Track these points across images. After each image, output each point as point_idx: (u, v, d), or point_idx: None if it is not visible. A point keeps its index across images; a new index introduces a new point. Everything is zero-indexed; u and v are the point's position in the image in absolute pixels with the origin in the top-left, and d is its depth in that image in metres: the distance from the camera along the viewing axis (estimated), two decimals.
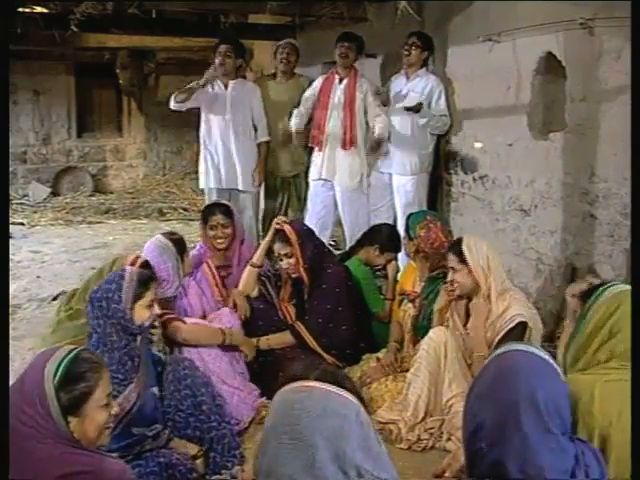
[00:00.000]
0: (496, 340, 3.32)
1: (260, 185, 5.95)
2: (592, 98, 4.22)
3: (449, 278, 3.52)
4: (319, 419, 1.42)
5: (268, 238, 4.28)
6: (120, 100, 11.02)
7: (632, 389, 2.05)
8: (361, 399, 1.51)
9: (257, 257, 4.32)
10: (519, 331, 3.29)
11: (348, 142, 5.64)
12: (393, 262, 4.62)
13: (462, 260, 3.44)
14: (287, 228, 4.11)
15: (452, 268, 3.50)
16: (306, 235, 4.16)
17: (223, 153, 5.79)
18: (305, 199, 6.06)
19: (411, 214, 4.23)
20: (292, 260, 4.05)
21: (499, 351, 1.79)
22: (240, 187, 5.82)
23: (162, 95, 11.01)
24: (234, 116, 5.75)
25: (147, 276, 3.09)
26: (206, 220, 4.36)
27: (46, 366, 2.00)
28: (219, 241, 4.33)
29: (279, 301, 4.25)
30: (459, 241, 3.52)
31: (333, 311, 4.03)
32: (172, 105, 5.71)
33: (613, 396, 2.12)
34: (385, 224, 5.02)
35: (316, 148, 5.77)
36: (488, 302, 3.42)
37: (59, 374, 1.99)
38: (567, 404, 1.71)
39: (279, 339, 4.06)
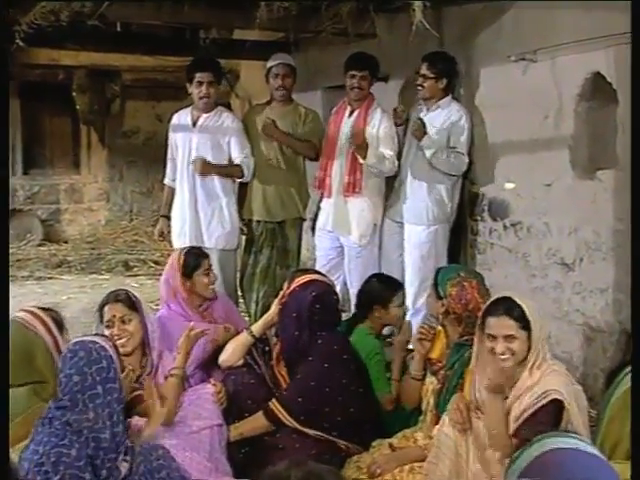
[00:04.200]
0: (523, 418, 3.22)
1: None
2: None
3: (500, 349, 3.41)
4: None
5: (273, 310, 4.26)
6: (77, 129, 11.07)
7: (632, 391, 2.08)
8: None
9: (258, 327, 4.32)
10: (552, 411, 3.17)
11: (350, 187, 5.66)
12: (406, 322, 4.57)
13: (524, 326, 3.36)
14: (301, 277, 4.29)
15: (509, 336, 3.36)
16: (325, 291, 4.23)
17: (189, 204, 5.77)
18: (298, 251, 6.03)
19: (440, 269, 4.19)
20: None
21: (542, 449, 1.72)
22: (208, 244, 5.70)
23: (129, 124, 11.11)
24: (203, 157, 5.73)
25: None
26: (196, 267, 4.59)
27: None
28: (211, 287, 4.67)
29: (271, 368, 4.24)
30: (512, 301, 3.39)
31: (318, 391, 3.98)
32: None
33: None
34: (375, 275, 5.00)
35: (324, 194, 5.79)
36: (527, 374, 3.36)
37: None
38: None
39: (251, 425, 4.00)
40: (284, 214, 5.97)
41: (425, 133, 5.47)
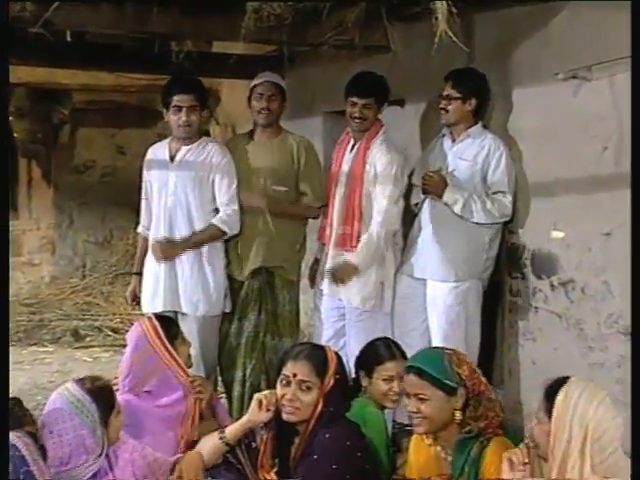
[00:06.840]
0: None
1: None
2: None
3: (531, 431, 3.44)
4: None
5: (253, 414, 4.19)
6: (15, 163, 11.10)
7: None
8: None
9: (233, 433, 4.25)
10: None
11: (348, 239, 5.68)
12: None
13: (549, 411, 3.37)
14: (328, 348, 4.33)
15: (536, 417, 3.45)
16: (344, 370, 4.29)
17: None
18: (294, 317, 5.98)
19: (414, 362, 3.99)
20: (309, 398, 4.04)
21: None
22: (185, 310, 5.68)
23: (81, 157, 11.12)
24: (180, 200, 5.68)
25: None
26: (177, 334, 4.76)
27: None
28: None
29: (256, 470, 4.18)
30: (562, 382, 3.42)
31: None
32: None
33: None
34: (380, 338, 5.02)
35: (325, 246, 5.85)
36: None
37: None
38: None
39: None
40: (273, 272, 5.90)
41: (446, 185, 5.47)
